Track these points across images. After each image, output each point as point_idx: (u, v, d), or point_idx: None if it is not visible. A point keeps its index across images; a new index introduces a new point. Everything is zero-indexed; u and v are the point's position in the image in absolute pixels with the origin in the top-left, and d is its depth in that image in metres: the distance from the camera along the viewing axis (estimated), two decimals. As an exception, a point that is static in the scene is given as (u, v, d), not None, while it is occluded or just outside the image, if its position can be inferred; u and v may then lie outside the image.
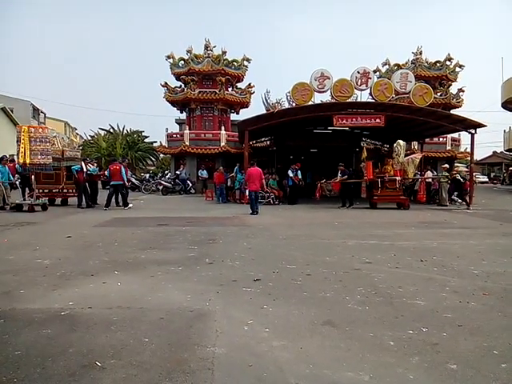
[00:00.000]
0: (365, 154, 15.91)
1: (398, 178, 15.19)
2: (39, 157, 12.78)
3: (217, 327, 3.44)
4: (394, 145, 16.11)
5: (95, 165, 17.02)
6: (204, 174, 23.85)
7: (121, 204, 14.70)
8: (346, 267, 5.65)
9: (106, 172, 16.70)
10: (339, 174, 15.92)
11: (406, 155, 17.42)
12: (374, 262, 5.98)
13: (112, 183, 14.48)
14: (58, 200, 15.34)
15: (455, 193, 16.93)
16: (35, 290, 4.49)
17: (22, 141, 12.47)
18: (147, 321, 3.58)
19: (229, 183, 19.13)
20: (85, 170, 14.62)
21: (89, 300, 4.12)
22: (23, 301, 4.10)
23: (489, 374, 2.68)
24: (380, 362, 2.86)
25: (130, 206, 14.62)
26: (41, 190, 14.59)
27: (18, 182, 15.65)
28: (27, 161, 12.58)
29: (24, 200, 13.41)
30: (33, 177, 13.34)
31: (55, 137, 15.93)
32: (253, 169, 13.77)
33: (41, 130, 13.46)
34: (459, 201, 16.58)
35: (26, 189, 14.58)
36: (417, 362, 2.86)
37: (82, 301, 4.09)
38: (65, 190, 15.00)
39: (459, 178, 16.71)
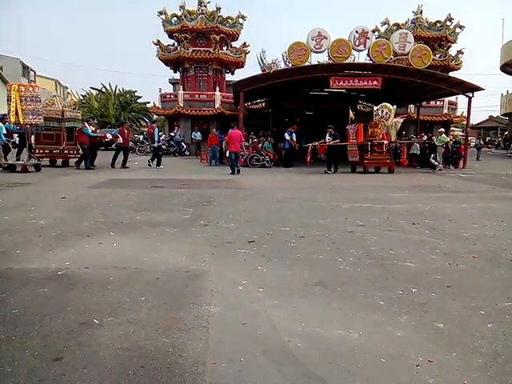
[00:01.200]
0: (351, 115, 15.52)
1: (385, 142, 15.06)
2: (30, 117, 12.51)
3: (212, 287, 3.51)
4: (376, 108, 15.79)
5: (95, 126, 16.86)
6: (198, 136, 23.60)
7: (119, 166, 14.92)
8: (339, 230, 5.73)
9: (107, 134, 16.72)
10: (328, 137, 15.39)
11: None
12: (367, 225, 6.06)
13: (118, 144, 15.57)
14: (59, 161, 15.04)
15: (432, 155, 16.99)
16: (31, 250, 4.52)
17: (12, 99, 12.19)
18: (143, 280, 3.64)
19: (223, 146, 18.98)
20: (90, 131, 14.45)
21: (85, 260, 4.16)
22: (20, 261, 4.14)
23: (475, 333, 2.77)
24: (370, 320, 2.95)
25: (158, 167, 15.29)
26: (41, 151, 14.38)
27: (10, 142, 15.26)
28: (20, 121, 12.33)
29: (17, 160, 13.24)
30: (33, 137, 13.15)
31: (55, 96, 15.55)
32: (234, 131, 14.56)
33: (31, 88, 13.10)
34: (435, 163, 16.63)
35: (25, 149, 14.34)
36: (405, 321, 2.95)
37: (78, 261, 4.13)
38: (66, 151, 14.73)
39: (435, 141, 16.85)
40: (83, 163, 14.17)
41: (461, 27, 25.82)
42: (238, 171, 13.84)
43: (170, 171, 14.40)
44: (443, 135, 17.00)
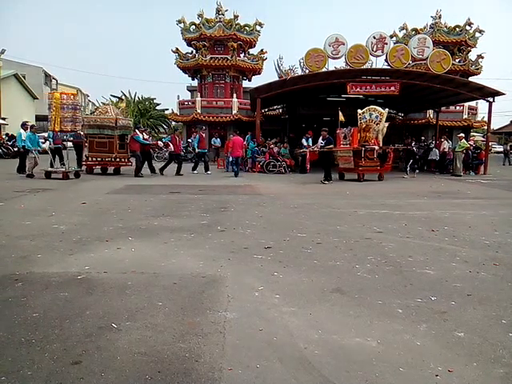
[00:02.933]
0: (342, 118, 14.53)
1: (376, 148, 14.24)
2: (70, 124, 12.61)
3: (228, 293, 3.52)
4: (362, 111, 14.72)
5: (148, 134, 17.18)
6: (217, 142, 23.71)
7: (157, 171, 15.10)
8: (357, 236, 5.68)
9: (159, 142, 17.14)
10: (320, 141, 14.02)
11: (390, 122, 16.84)
12: (385, 232, 5.99)
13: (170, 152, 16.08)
14: (111, 169, 15.03)
15: (410, 161, 16.46)
16: (52, 254, 4.61)
17: (53, 108, 12.24)
18: (161, 285, 3.67)
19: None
20: (142, 138, 14.69)
21: (104, 265, 4.22)
22: (40, 265, 4.22)
23: (496, 343, 2.71)
24: (388, 328, 2.92)
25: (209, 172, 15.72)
26: (94, 159, 14.46)
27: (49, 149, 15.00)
28: (56, 128, 12.42)
29: (61, 167, 13.25)
30: (86, 144, 13.40)
31: (108, 105, 15.75)
32: (236, 138, 15.58)
33: (72, 96, 13.17)
34: (416, 172, 16.42)
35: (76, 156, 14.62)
36: (424, 330, 2.90)
37: (97, 265, 4.19)
38: (117, 159, 14.57)
39: (414, 148, 16.59)
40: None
41: (480, 31, 25.44)
42: (237, 174, 14.88)
43: (188, 177, 14.51)
44: (463, 141, 16.72)
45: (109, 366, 2.37)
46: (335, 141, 14.42)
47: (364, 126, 14.31)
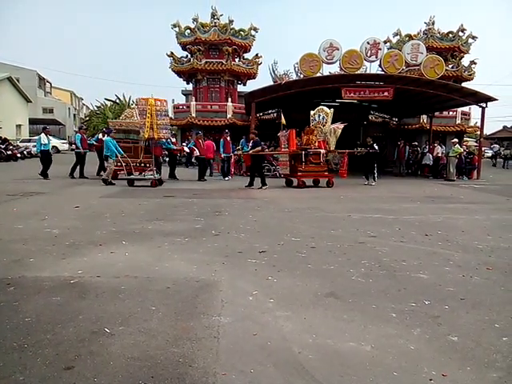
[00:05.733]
0: (283, 121, 13.66)
1: (322, 151, 13.16)
2: (164, 131, 12.41)
3: (222, 297, 3.51)
4: (313, 112, 14.08)
5: (174, 139, 17.05)
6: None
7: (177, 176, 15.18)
8: (351, 240, 5.69)
9: (185, 148, 16.97)
10: (250, 145, 13.23)
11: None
12: (379, 236, 6.01)
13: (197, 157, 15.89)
14: (136, 174, 14.43)
15: (374, 165, 14.47)
16: (44, 258, 4.57)
17: (148, 114, 11.81)
18: (154, 290, 3.65)
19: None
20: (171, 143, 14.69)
21: (97, 269, 4.20)
22: (33, 269, 4.18)
23: (489, 347, 2.72)
24: (382, 333, 2.92)
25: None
26: (119, 164, 13.90)
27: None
28: (155, 135, 12.01)
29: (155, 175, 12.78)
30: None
31: (134, 109, 15.18)
32: (208, 142, 16.50)
33: (165, 103, 12.80)
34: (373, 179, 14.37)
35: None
36: (418, 334, 2.91)
37: (90, 269, 4.17)
38: (142, 164, 13.98)
39: (376, 148, 14.43)
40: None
41: (473, 37, 25.67)
42: (205, 175, 15.27)
43: (182, 181, 14.47)
44: (457, 146, 16.86)
45: (102, 371, 2.35)
46: (278, 145, 13.95)
47: (307, 128, 13.61)
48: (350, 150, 15.13)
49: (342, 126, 13.81)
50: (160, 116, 12.18)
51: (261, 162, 13.35)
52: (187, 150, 16.57)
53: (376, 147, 14.38)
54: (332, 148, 13.79)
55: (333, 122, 15.08)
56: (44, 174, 13.62)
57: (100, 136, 16.02)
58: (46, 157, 13.83)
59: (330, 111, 13.73)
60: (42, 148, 13.79)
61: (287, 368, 2.43)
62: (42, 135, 13.83)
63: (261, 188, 12.30)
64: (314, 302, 3.48)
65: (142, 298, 3.46)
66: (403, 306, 3.41)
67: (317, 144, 13.20)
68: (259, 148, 13.03)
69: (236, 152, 15.70)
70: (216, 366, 2.42)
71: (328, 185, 13.13)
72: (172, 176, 15.26)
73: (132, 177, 12.79)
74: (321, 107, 14.03)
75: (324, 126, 13.62)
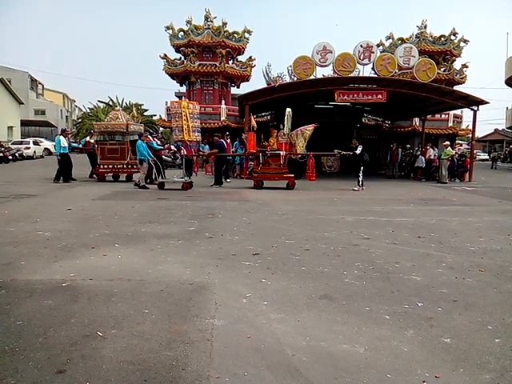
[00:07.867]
0: (253, 123, 13.62)
1: (281, 153, 13.00)
2: (196, 134, 12.53)
3: (216, 300, 3.49)
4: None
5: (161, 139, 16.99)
6: (206, 148, 23.65)
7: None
8: (344, 243, 5.70)
9: (172, 146, 16.80)
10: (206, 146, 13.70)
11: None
12: (372, 238, 6.03)
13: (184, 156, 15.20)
14: (123, 176, 14.71)
15: (361, 168, 13.38)
16: (36, 261, 4.53)
17: (183, 117, 11.89)
18: (147, 293, 3.63)
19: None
20: (155, 144, 14.53)
21: (90, 272, 4.16)
22: (24, 272, 4.14)
23: (482, 349, 2.74)
24: (375, 335, 2.92)
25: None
26: (105, 166, 14.01)
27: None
28: (186, 138, 12.10)
29: (185, 177, 12.65)
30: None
31: (119, 110, 15.39)
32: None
33: (197, 106, 13.06)
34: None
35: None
36: (411, 336, 2.92)
37: (83, 272, 4.13)
38: (129, 166, 14.23)
39: (357, 152, 13.41)
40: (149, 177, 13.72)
41: (465, 41, 25.91)
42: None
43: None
44: (449, 148, 16.99)
45: (94, 375, 2.33)
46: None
47: (271, 130, 13.79)
48: (316, 153, 14.92)
49: (311, 127, 13.37)
50: (192, 119, 12.29)
51: (221, 162, 14.29)
52: (174, 149, 16.42)
53: (358, 150, 13.41)
54: (300, 150, 13.43)
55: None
56: (65, 178, 13.24)
57: (87, 139, 15.87)
58: (66, 160, 13.48)
59: (288, 112, 13.46)
60: (62, 151, 13.33)
61: (281, 371, 2.43)
62: (62, 137, 13.46)
63: (212, 186, 13.40)
64: (307, 304, 3.48)
65: (135, 300, 3.44)
66: (396, 307, 3.42)
67: (275, 146, 13.19)
68: (216, 150, 14.38)
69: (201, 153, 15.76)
70: (209, 369, 2.41)
71: (288, 187, 13.03)
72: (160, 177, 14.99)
73: (163, 180, 12.69)
74: (288, 110, 13.61)
75: (282, 128, 13.39)
